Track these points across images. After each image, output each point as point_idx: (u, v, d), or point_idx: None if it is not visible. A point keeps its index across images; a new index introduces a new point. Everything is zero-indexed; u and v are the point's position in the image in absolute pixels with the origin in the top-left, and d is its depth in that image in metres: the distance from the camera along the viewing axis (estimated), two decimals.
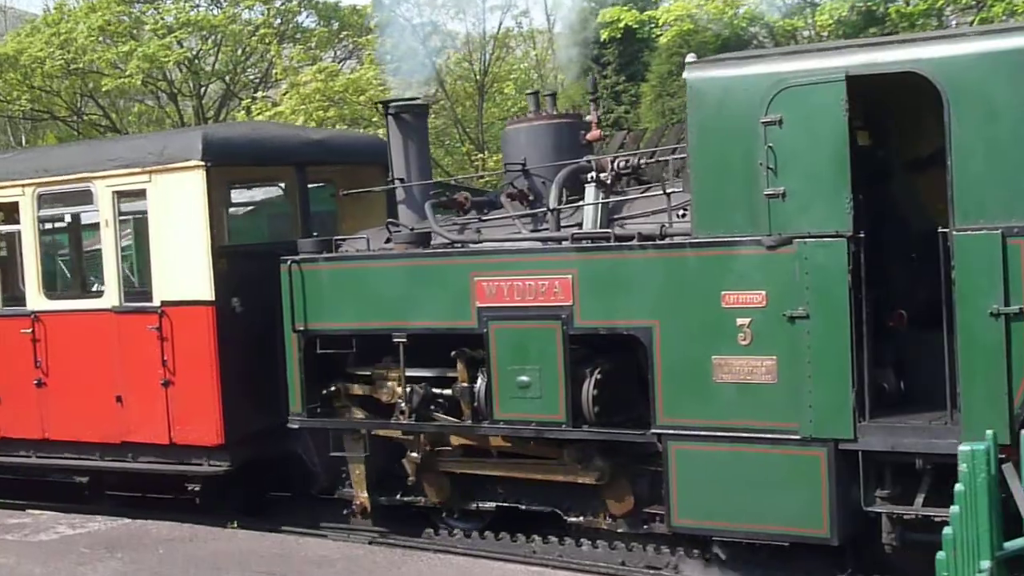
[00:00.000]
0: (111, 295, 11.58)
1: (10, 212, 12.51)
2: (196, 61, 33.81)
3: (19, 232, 12.33)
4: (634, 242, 8.90)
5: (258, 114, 29.90)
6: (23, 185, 12.20)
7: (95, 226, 11.85)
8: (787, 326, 8.17)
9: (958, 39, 7.98)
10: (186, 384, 11.12)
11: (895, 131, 9.09)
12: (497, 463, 9.94)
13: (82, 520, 11.37)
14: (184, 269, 11.05)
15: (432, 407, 9.98)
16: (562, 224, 9.64)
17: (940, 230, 7.71)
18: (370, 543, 10.27)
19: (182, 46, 32.73)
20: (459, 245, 9.86)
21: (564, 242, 9.30)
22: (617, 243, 9.02)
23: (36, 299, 12.22)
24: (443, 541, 10.18)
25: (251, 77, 35.63)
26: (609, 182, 9.55)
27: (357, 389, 10.34)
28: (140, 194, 11.33)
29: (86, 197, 11.75)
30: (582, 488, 9.58)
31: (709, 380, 8.50)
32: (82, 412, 11.84)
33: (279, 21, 33.47)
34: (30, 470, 12.65)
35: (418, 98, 11.50)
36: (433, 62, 32.03)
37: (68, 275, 12.86)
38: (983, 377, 7.60)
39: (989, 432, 7.15)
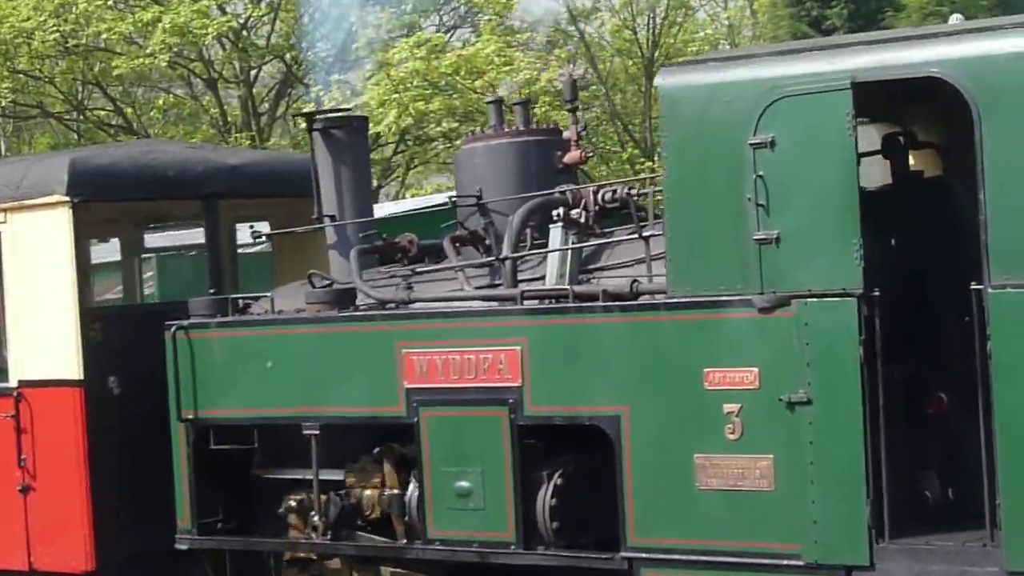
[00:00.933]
0: None
1: None
2: (244, 33, 35.41)
3: None
4: (597, 303, 9.85)
5: (330, 103, 30.47)
6: None
7: None
8: (785, 414, 8.95)
9: (992, 33, 8.80)
10: (48, 491, 12.31)
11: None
12: None
13: None
14: (46, 338, 12.29)
15: (358, 521, 11.05)
16: (521, 278, 10.61)
17: (973, 286, 8.49)
18: None
19: (224, 12, 34.22)
20: (390, 306, 10.94)
21: (512, 303, 10.31)
22: (577, 304, 9.97)
23: None
24: None
25: (321, 54, 36.25)
26: (583, 221, 10.51)
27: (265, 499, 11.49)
28: None
29: None
30: None
31: (691, 486, 9.34)
32: None
33: None
34: None
35: (348, 110, 12.61)
36: (581, 31, 34.78)
37: None
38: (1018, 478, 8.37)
39: None
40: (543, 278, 10.47)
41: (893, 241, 9.40)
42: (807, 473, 8.93)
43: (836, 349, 8.81)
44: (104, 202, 12.78)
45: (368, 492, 10.96)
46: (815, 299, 8.87)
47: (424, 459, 10.44)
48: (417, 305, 10.82)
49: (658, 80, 9.81)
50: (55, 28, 33.15)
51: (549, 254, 10.47)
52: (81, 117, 38.48)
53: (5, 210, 12.59)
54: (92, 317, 12.34)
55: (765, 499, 9.12)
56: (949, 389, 9.12)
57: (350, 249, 11.64)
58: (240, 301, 11.87)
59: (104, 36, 33.96)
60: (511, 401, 10.02)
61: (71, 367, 12.21)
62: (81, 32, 33.76)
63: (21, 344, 12.56)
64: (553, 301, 10.12)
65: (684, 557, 9.41)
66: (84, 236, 12.49)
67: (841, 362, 8.79)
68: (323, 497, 10.97)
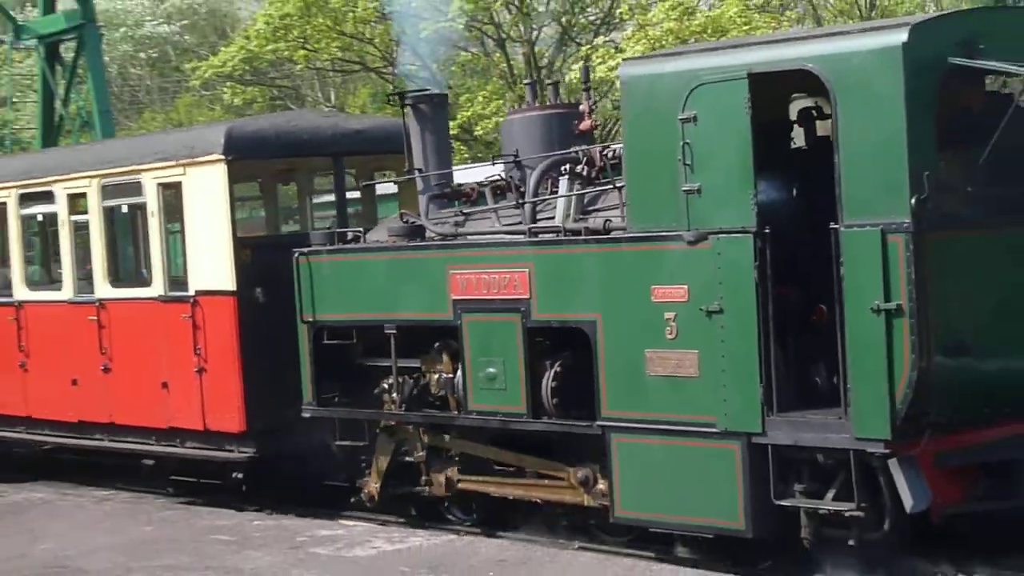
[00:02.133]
0: (158, 284, 14.48)
1: (75, 204, 15.76)
2: (527, 1, 35.05)
3: (90, 222, 15.64)
4: (579, 237, 11.05)
5: (599, 63, 30.69)
6: (89, 178, 15.51)
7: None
8: (706, 320, 9.97)
9: (844, 36, 9.68)
10: (216, 372, 13.83)
11: None
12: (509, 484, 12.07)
13: (401, 535, 12.08)
14: (211, 260, 13.76)
15: (428, 398, 12.43)
16: (539, 217, 11.85)
17: (831, 226, 9.51)
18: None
19: None
20: (441, 237, 12.29)
21: (523, 237, 11.55)
22: (566, 238, 11.17)
23: (101, 287, 15.43)
24: None
25: (591, 18, 36.80)
26: (587, 174, 11.65)
27: (362, 382, 12.91)
28: (178, 186, 14.24)
29: (137, 189, 14.83)
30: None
31: (644, 374, 10.44)
32: (139, 398, 14.86)
33: None
34: (102, 453, 16.04)
35: (427, 89, 13.80)
36: None
37: (126, 264, 15.85)
38: (867, 374, 9.24)
39: None
40: (554, 217, 11.74)
41: (795, 191, 10.35)
42: (720, 364, 9.96)
43: (738, 272, 9.78)
44: (252, 160, 14.10)
45: (433, 376, 12.27)
46: (724, 235, 9.84)
47: (465, 352, 11.72)
48: (463, 237, 12.21)
49: (620, 70, 10.80)
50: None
51: (559, 199, 11.71)
52: (394, 71, 37.69)
53: (184, 165, 14.05)
54: (243, 245, 13.73)
55: (693, 383, 10.18)
56: (829, 303, 10.10)
57: (428, 195, 13.09)
58: (348, 234, 13.26)
59: (413, 4, 33.52)
60: (523, 310, 11.22)
61: (228, 281, 13.66)
62: (394, 0, 33.63)
63: (196, 263, 14.04)
64: (552, 235, 11.40)
65: (639, 425, 10.52)
66: (237, 184, 13.90)
67: (741, 281, 9.76)
68: (400, 380, 12.47)
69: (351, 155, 14.65)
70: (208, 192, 13.83)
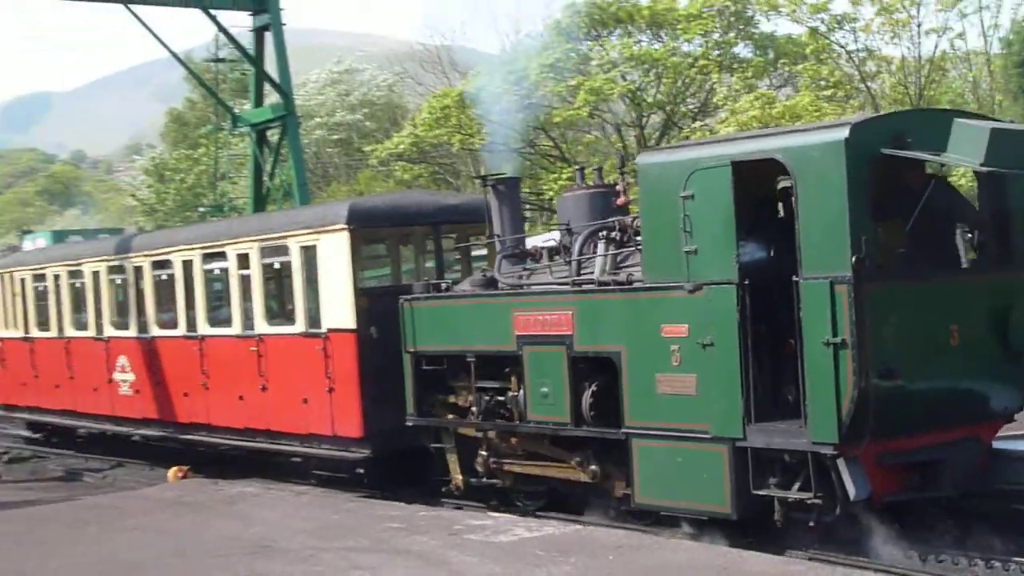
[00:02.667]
0: (300, 323, 15.60)
1: (242, 261, 17.02)
2: (638, 93, 35.85)
3: (251, 276, 16.88)
4: (608, 287, 11.96)
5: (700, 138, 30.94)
6: (251, 242, 16.78)
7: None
8: (701, 351, 10.75)
9: (802, 132, 10.54)
10: (341, 391, 14.87)
11: None
12: (536, 465, 13.10)
13: (538, 524, 12.09)
14: (338, 304, 14.82)
15: (500, 411, 13.37)
16: (583, 271, 12.77)
17: (793, 279, 10.32)
18: (810, 559, 10.41)
19: (625, 79, 35.06)
20: (508, 288, 13.27)
21: (569, 287, 12.48)
22: (599, 288, 12.08)
23: (260, 324, 16.63)
24: (881, 562, 10.19)
25: (690, 107, 37.59)
26: (619, 239, 12.56)
27: (450, 398, 13.92)
28: (314, 248, 15.37)
29: (285, 250, 16.04)
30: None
31: (655, 392, 11.23)
32: (287, 410, 15.99)
33: (717, 52, 35.51)
34: (261, 452, 17.22)
35: (503, 173, 14.73)
36: (867, 87, 34.54)
37: (277, 307, 16.96)
38: (820, 393, 9.95)
39: None
40: (594, 272, 12.63)
41: (772, 251, 11.03)
42: (712, 384, 10.72)
43: (724, 314, 10.55)
44: (368, 228, 15.12)
45: (504, 395, 13.11)
46: (714, 285, 10.63)
47: (525, 375, 12.57)
48: (524, 287, 13.18)
49: (637, 160, 11.68)
50: (516, 92, 33.40)
51: (598, 256, 12.61)
52: (533, 151, 38.90)
53: (318, 232, 15.18)
54: (361, 293, 14.74)
55: (691, 400, 10.93)
56: (797, 338, 10.65)
57: (502, 255, 14.10)
58: (441, 285, 14.21)
59: (547, 96, 34.77)
60: (567, 343, 12.09)
61: (350, 321, 14.71)
62: (532, 94, 34.43)
63: (327, 307, 15.08)
64: (589, 286, 12.30)
65: (652, 432, 11.32)
66: (358, 247, 14.84)
67: (727, 321, 10.53)
68: (478, 397, 13.37)
69: (448, 224, 15.61)
70: (335, 253, 14.89)
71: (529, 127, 36.76)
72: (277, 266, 16.44)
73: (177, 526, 13.22)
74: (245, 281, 16.91)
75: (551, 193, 34.23)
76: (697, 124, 35.44)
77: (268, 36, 27.14)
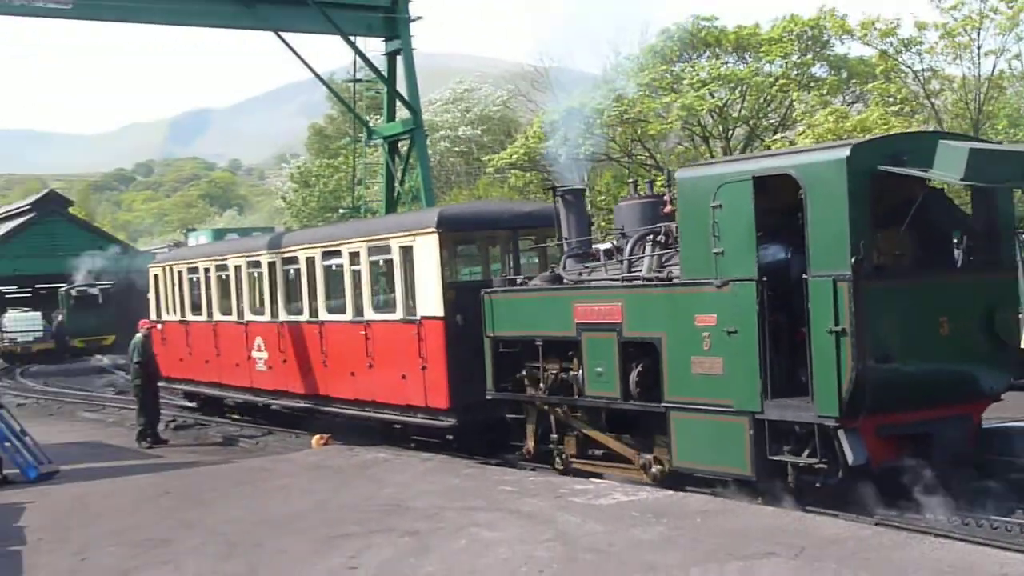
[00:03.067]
0: (399, 311, 16.24)
1: (353, 258, 17.74)
2: (725, 109, 36.09)
3: (360, 271, 17.61)
4: (652, 283, 12.40)
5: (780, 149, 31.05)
6: (361, 242, 17.49)
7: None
8: (728, 337, 11.11)
9: (811, 151, 10.82)
10: (432, 369, 15.43)
11: None
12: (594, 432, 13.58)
13: (634, 490, 11.96)
14: (430, 296, 15.40)
15: (563, 387, 13.85)
16: (633, 270, 13.20)
17: (804, 276, 10.66)
18: (876, 524, 10.19)
19: (713, 97, 35.19)
20: (571, 283, 13.77)
21: (619, 283, 12.94)
22: (644, 283, 12.54)
23: (367, 312, 17.30)
24: (943, 526, 10.03)
25: (771, 121, 37.54)
26: (664, 242, 12.98)
27: (523, 376, 14.40)
28: (411, 248, 16.02)
29: (388, 250, 16.71)
30: None
31: (691, 372, 11.60)
32: (389, 384, 16.59)
33: (796, 72, 35.67)
34: (367, 420, 17.92)
35: (571, 184, 15.13)
36: (931, 103, 34.31)
37: (381, 298, 17.60)
38: (824, 374, 10.26)
39: None
40: (642, 270, 13.06)
41: (788, 253, 11.28)
42: (736, 366, 11.06)
43: (746, 306, 10.91)
44: (455, 231, 15.66)
45: (567, 373, 13.57)
46: (737, 282, 10.99)
47: (583, 357, 13.02)
48: (583, 283, 13.66)
49: (677, 175, 12.04)
50: (616, 108, 34.75)
51: (646, 257, 13.04)
52: (630, 160, 38.76)
53: (414, 235, 15.77)
54: (448, 286, 15.28)
55: (719, 379, 11.28)
56: (806, 327, 10.81)
57: (568, 255, 14.60)
58: (516, 280, 14.76)
59: (644, 112, 35.12)
60: (618, 330, 12.52)
61: (439, 310, 15.26)
62: (630, 110, 35.05)
63: (421, 298, 15.67)
64: (636, 282, 12.75)
65: (687, 405, 11.69)
66: (447, 248, 15.44)
67: (749, 312, 10.89)
68: (546, 375, 13.89)
69: (524, 228, 16.13)
70: (427, 252, 15.51)
71: (627, 138, 37.57)
72: (382, 263, 17.05)
73: (319, 486, 13.36)
74: (356, 275, 17.57)
75: None
76: (777, 136, 35.20)
77: (399, 59, 27.50)
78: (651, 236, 13.00)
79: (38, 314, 50.87)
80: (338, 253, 18.22)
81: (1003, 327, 11.01)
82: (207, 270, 23.46)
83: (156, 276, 26.29)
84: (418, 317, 15.79)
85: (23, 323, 50.05)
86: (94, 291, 49.87)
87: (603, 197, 39.64)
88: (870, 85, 34.31)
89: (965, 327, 10.87)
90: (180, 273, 24.89)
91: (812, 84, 35.45)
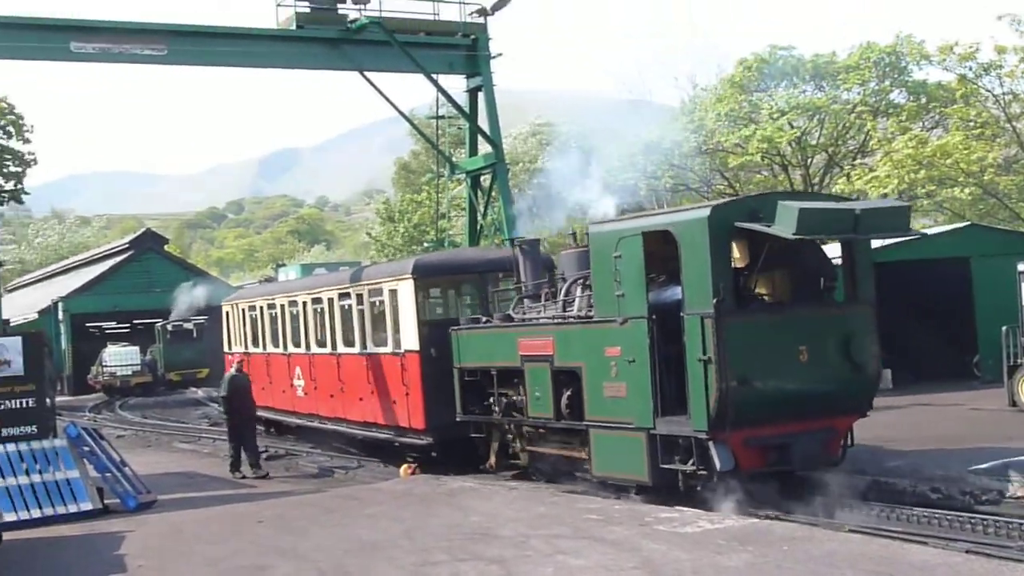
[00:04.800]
0: (391, 345, 18.41)
1: (359, 299, 19.68)
2: (803, 137, 35.68)
3: (364, 310, 19.80)
4: (573, 321, 14.40)
5: (858, 179, 31.17)
6: (363, 285, 19.56)
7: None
8: (630, 365, 12.97)
9: (684, 211, 12.83)
10: (412, 395, 17.50)
11: None
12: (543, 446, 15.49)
13: (719, 517, 11.78)
14: (408, 332, 17.56)
15: (513, 410, 15.87)
16: (569, 309, 15.15)
17: (681, 314, 12.61)
18: (967, 552, 10.01)
19: (792, 127, 34.98)
20: (511, 321, 15.78)
21: (551, 321, 14.98)
22: (568, 321, 14.53)
23: (369, 346, 19.30)
24: None
25: (850, 148, 37.07)
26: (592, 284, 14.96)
27: (485, 401, 16.47)
28: (396, 291, 18.19)
29: (381, 292, 18.83)
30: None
31: (603, 395, 13.50)
32: (385, 408, 18.60)
33: (874, 99, 35.37)
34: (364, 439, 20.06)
35: (527, 237, 17.10)
36: (1012, 127, 34.42)
37: (378, 333, 19.35)
38: (696, 394, 12.16)
39: None
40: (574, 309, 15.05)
41: (675, 295, 12.97)
42: (635, 389, 12.91)
43: (640, 339, 12.78)
44: (428, 277, 17.67)
45: (516, 398, 15.52)
46: (634, 319, 12.87)
47: (526, 383, 14.98)
48: (525, 322, 15.71)
49: (589, 229, 13.85)
50: (695, 139, 34.95)
51: (577, 298, 14.98)
52: (709, 190, 38.49)
53: (397, 280, 17.93)
54: (423, 324, 17.32)
55: (623, 401, 13.13)
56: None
57: (522, 296, 16.63)
58: (479, 319, 16.82)
59: (722, 142, 35.37)
60: (550, 360, 14.41)
61: (415, 344, 17.27)
62: (709, 141, 35.21)
63: (402, 334, 17.72)
64: (563, 320, 14.73)
65: (601, 424, 13.53)
66: (421, 291, 17.46)
67: (642, 344, 12.76)
68: (499, 399, 15.90)
69: (491, 272, 18.02)
70: (406, 295, 17.64)
71: (707, 169, 37.66)
72: (378, 304, 19.14)
73: (407, 514, 13.28)
74: (361, 314, 19.71)
75: None
76: (858, 162, 35.03)
77: (480, 95, 27.24)
78: (581, 280, 14.98)
79: (136, 348, 51.49)
80: (348, 295, 20.38)
81: (858, 353, 12.84)
82: (261, 308, 25.64)
83: (227, 313, 28.64)
84: (402, 350, 17.91)
85: (122, 357, 50.53)
86: (189, 326, 50.74)
87: None
88: (949, 109, 33.71)
89: (824, 354, 12.70)
90: (243, 311, 27.10)
91: (891, 111, 34.94)
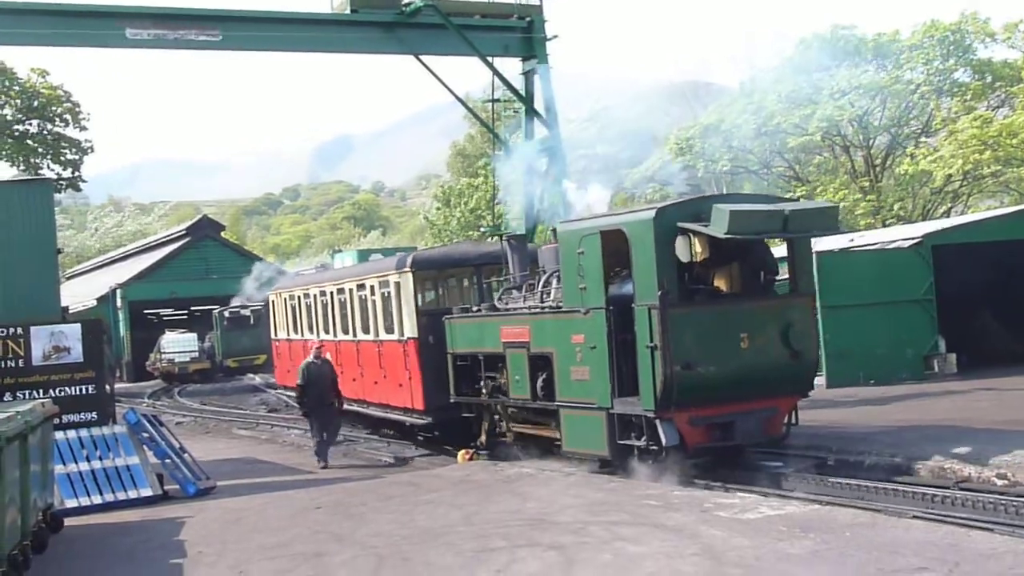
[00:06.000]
0: (397, 333, 19.77)
1: (372, 290, 21.05)
2: (865, 117, 35.41)
3: (377, 300, 21.17)
4: (546, 311, 15.69)
5: (922, 159, 31.08)
6: (375, 277, 20.99)
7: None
8: (592, 351, 14.20)
9: (634, 212, 14.04)
10: (413, 379, 18.92)
11: None
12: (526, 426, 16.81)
13: (780, 503, 11.62)
14: (408, 321, 18.96)
15: (498, 392, 17.16)
16: (548, 299, 16.40)
17: (632, 305, 13.85)
18: None
19: (853, 106, 34.73)
20: (496, 310, 17.07)
21: (528, 311, 16.27)
22: (541, 311, 15.81)
23: (381, 333, 20.69)
24: None
25: (913, 128, 36.72)
26: None
27: (476, 384, 17.83)
28: (399, 283, 19.52)
29: (388, 284, 20.12)
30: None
31: (571, 378, 14.72)
32: (395, 392, 20.05)
33: (938, 78, 35.03)
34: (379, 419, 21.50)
35: (513, 231, 18.39)
36: None
37: (388, 322, 20.61)
38: (645, 378, 13.33)
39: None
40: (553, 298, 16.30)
41: (630, 288, 14.14)
42: (596, 373, 14.10)
43: (600, 328, 13.96)
44: (426, 269, 18.97)
45: (501, 381, 16.79)
46: (595, 309, 14.05)
47: (507, 367, 16.24)
48: (507, 311, 17.02)
49: (557, 227, 15.20)
50: (753, 121, 34.60)
51: (553, 289, 16.10)
52: (769, 172, 38.18)
53: (400, 273, 19.25)
54: (420, 313, 18.62)
55: (587, 383, 14.32)
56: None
57: (509, 288, 17.94)
58: (471, 308, 18.17)
59: (782, 124, 34.78)
60: (527, 347, 15.64)
61: (414, 331, 18.61)
62: (768, 123, 34.48)
63: (405, 323, 19.01)
64: (538, 310, 15.98)
65: (570, 404, 14.73)
66: (419, 283, 18.76)
67: (601, 332, 13.94)
68: (486, 381, 17.18)
69: (485, 265, 19.23)
70: (407, 286, 18.98)
71: (766, 151, 36.97)
72: (387, 294, 20.45)
73: (465, 500, 13.20)
74: (374, 304, 21.03)
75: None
76: (922, 142, 34.69)
77: (536, 78, 26.83)
78: (558, 273, 16.23)
79: (194, 335, 51.44)
80: (364, 285, 21.69)
81: (797, 341, 14.00)
82: (299, 298, 26.99)
83: (272, 302, 30.01)
84: (405, 338, 19.32)
85: (180, 344, 50.53)
86: (246, 312, 49.96)
87: None
88: (1015, 88, 33.40)
89: (764, 341, 13.86)
90: (285, 300, 28.53)
91: (955, 90, 34.44)
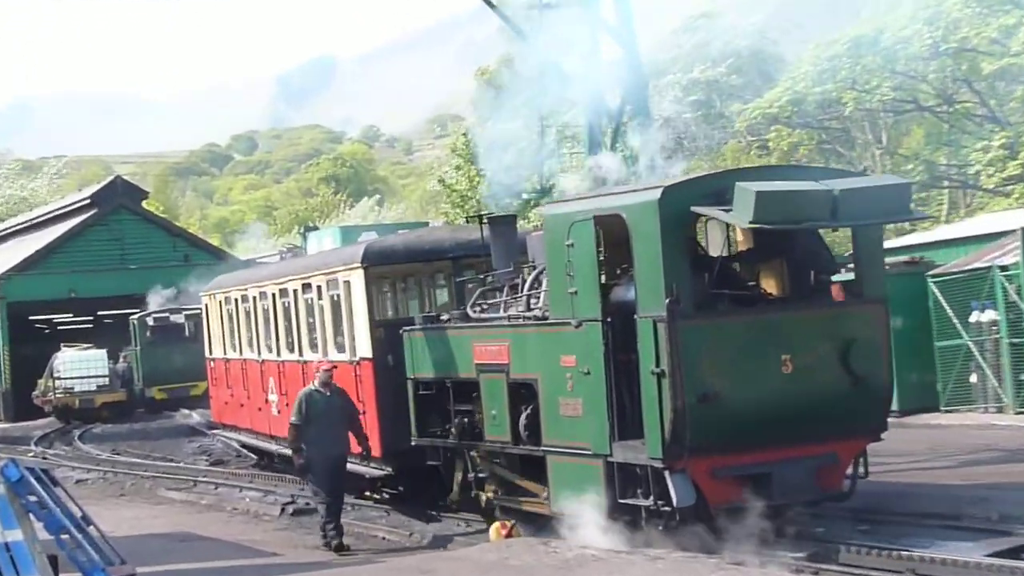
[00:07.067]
0: (348, 352, 19.76)
1: (319, 292, 21.27)
2: None
3: (324, 305, 21.47)
4: (529, 322, 15.71)
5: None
6: (320, 275, 21.27)
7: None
8: (585, 378, 14.22)
9: (637, 191, 14.09)
10: (368, 413, 18.86)
11: None
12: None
13: None
14: (361, 335, 19.10)
15: (476, 430, 17.14)
16: (533, 305, 16.51)
17: (635, 316, 13.92)
18: None
19: None
20: (468, 320, 17.05)
21: (507, 322, 16.35)
22: (523, 323, 15.87)
23: (331, 351, 21.06)
24: None
25: None
26: None
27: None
28: (349, 283, 19.68)
29: (337, 284, 20.34)
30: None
31: (559, 414, 14.78)
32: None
33: None
34: None
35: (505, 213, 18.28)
36: None
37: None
38: (651, 415, 13.39)
39: None
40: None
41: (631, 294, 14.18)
42: (591, 407, 14.14)
43: (595, 346, 14.01)
44: (384, 264, 19.14)
45: (478, 416, 16.73)
46: (588, 322, 14.09)
47: (484, 400, 16.32)
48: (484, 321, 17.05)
49: (544, 209, 15.43)
50: (929, 35, 33.23)
51: (542, 291, 15.93)
52: (949, 109, 37.04)
53: (347, 271, 19.42)
54: (376, 325, 18.82)
55: (579, 421, 14.37)
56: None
57: (484, 289, 17.97)
58: (441, 316, 18.20)
59: (971, 39, 33.53)
60: (506, 371, 15.73)
61: (367, 350, 18.84)
62: (951, 36, 33.32)
63: (354, 338, 19.35)
64: (518, 321, 16.01)
65: (557, 448, 14.85)
66: (374, 284, 18.87)
67: (597, 353, 13.99)
68: (457, 418, 17.22)
69: (466, 258, 19.29)
70: (356, 287, 19.23)
71: (946, 78, 35.79)
72: (335, 297, 20.76)
73: None
74: (322, 310, 21.31)
75: (978, 166, 32.19)
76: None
77: None
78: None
79: (102, 352, 48.66)
80: (310, 286, 21.95)
81: (860, 363, 13.98)
82: (236, 301, 27.19)
83: (206, 305, 29.64)
84: (357, 358, 19.48)
85: (82, 365, 47.57)
86: (178, 319, 47.48)
87: (913, 167, 35.33)
88: None
89: (815, 363, 13.87)
90: (220, 303, 28.52)
91: None
